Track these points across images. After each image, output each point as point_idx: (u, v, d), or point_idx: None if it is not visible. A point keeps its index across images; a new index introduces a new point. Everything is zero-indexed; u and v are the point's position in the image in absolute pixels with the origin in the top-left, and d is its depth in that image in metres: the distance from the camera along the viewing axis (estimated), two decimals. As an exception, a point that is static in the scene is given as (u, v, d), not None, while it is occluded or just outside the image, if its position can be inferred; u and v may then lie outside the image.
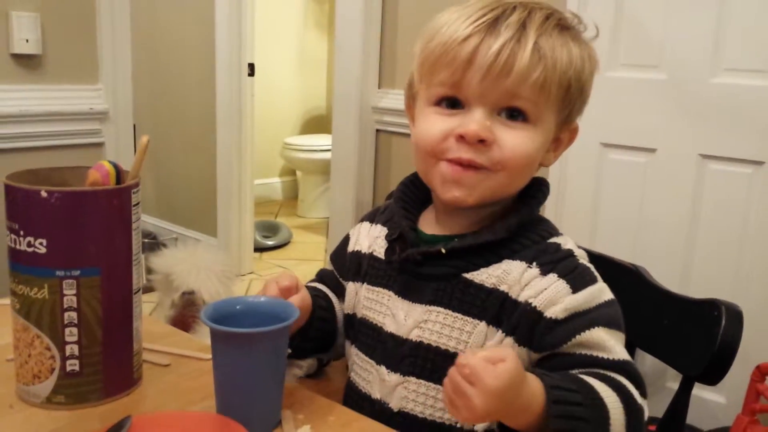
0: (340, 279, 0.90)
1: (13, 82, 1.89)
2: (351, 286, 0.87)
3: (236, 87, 3.15)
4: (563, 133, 0.79)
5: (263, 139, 4.31)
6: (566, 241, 0.77)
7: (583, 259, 0.76)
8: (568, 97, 0.74)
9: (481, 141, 0.71)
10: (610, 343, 0.71)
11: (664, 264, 1.77)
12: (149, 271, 2.18)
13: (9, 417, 0.74)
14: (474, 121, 0.71)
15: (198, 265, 2.04)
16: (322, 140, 4.20)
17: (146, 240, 3.37)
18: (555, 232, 0.78)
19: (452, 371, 0.61)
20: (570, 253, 0.75)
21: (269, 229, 3.89)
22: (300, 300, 0.77)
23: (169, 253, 2.17)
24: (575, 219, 1.99)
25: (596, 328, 0.70)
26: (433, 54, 0.73)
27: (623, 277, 1.03)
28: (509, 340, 0.74)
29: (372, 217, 0.89)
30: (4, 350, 0.84)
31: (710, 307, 0.87)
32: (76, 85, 2.01)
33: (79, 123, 2.01)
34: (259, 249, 3.61)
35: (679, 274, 1.78)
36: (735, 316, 0.84)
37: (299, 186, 4.61)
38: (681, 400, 0.93)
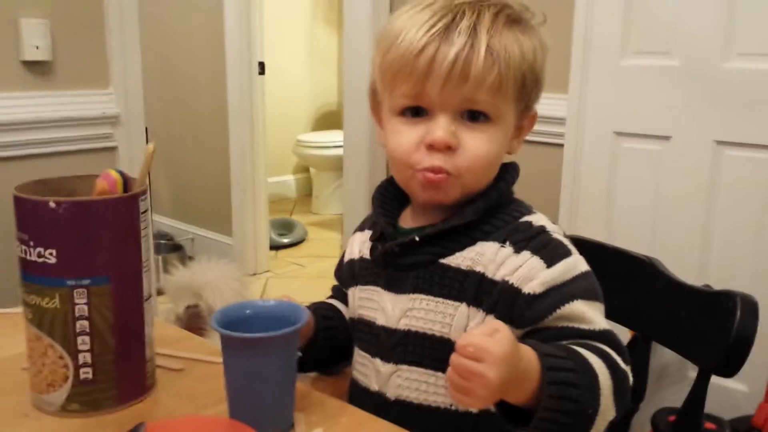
0: (344, 290, 0.93)
1: (24, 89, 1.90)
2: (350, 292, 0.90)
3: (247, 86, 3.16)
4: (524, 120, 0.82)
5: (276, 137, 4.32)
6: (538, 219, 0.79)
7: (557, 233, 0.78)
8: (525, 89, 0.77)
9: (448, 147, 0.75)
10: (590, 314, 0.73)
11: (681, 252, 1.76)
12: (160, 293, 2.21)
13: (24, 425, 0.75)
14: (439, 128, 0.75)
15: (213, 269, 2.07)
16: (335, 136, 4.19)
17: (163, 241, 3.39)
18: (527, 211, 0.81)
19: (454, 357, 0.62)
20: (542, 230, 0.77)
21: (284, 226, 3.90)
22: None
23: (181, 270, 2.21)
24: (590, 209, 1.97)
25: (576, 301, 0.73)
26: (392, 67, 0.76)
27: (637, 269, 1.02)
28: (490, 318, 0.76)
29: (362, 227, 0.93)
30: (19, 359, 0.85)
31: (725, 299, 0.85)
32: (87, 90, 2.01)
33: (91, 128, 2.02)
34: (275, 247, 3.62)
35: (697, 262, 1.76)
36: (750, 308, 0.83)
37: (313, 183, 4.61)
38: (699, 391, 0.92)
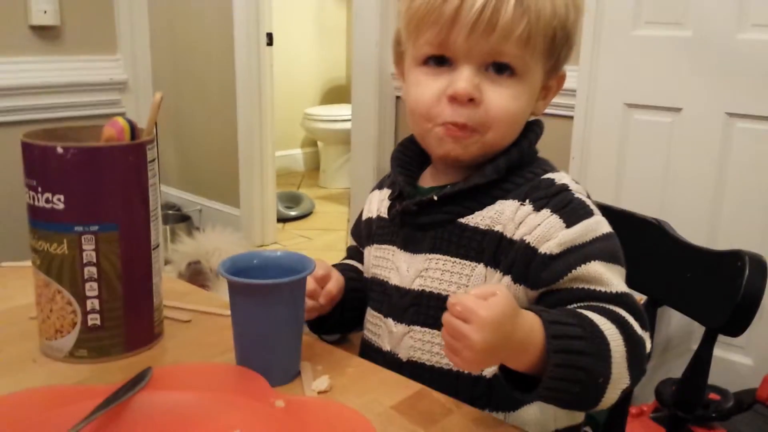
0: (361, 249, 0.92)
1: (32, 53, 1.90)
2: (366, 251, 0.89)
3: (255, 57, 3.14)
4: (551, 80, 0.80)
5: (284, 110, 4.30)
6: (561, 177, 0.77)
7: (580, 193, 0.76)
8: (554, 46, 0.75)
9: (471, 100, 0.72)
10: (607, 276, 0.70)
11: (691, 224, 1.74)
12: (167, 262, 2.23)
13: (32, 371, 0.75)
14: (462, 79, 0.72)
15: (218, 237, 2.08)
16: (343, 110, 4.18)
17: (171, 211, 3.40)
18: (550, 169, 0.79)
19: (446, 315, 0.61)
20: (564, 188, 0.75)
21: (292, 199, 3.90)
22: (336, 283, 0.81)
23: (186, 240, 2.23)
24: (600, 181, 1.96)
25: (593, 262, 0.70)
26: (418, 13, 0.73)
27: (646, 231, 1.01)
28: (507, 279, 0.74)
29: (381, 185, 0.91)
30: (27, 309, 0.86)
31: (734, 258, 0.85)
32: (95, 56, 2.01)
33: (98, 94, 2.02)
34: (282, 219, 3.62)
35: (705, 234, 1.75)
36: (759, 266, 0.82)
37: (321, 156, 4.60)
38: (703, 354, 0.91)
